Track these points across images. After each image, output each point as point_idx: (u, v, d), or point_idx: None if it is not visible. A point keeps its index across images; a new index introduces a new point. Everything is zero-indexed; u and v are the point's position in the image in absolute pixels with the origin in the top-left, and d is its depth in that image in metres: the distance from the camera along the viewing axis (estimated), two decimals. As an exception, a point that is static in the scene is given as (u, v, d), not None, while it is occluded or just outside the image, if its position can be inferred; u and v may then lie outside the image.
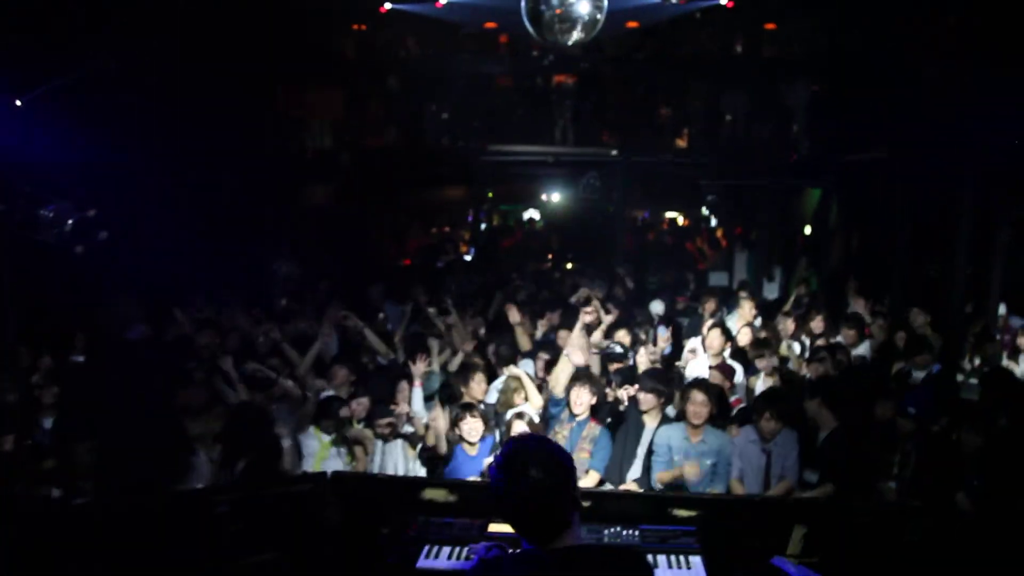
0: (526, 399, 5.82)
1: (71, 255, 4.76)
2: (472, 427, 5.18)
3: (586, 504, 3.55)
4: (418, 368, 5.96)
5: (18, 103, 4.25)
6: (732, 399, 6.60)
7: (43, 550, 3.54)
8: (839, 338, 7.87)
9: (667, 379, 6.35)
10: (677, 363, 7.82)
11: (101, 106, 6.65)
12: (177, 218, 8.64)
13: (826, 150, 10.97)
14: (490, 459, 5.16)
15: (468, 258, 16.45)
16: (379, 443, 5.31)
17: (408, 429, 5.44)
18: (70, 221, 4.57)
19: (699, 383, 5.71)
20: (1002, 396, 5.97)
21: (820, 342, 7.81)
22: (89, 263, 5.06)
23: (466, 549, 3.43)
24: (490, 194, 17.03)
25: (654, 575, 2.24)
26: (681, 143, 12.73)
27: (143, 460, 4.33)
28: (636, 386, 5.74)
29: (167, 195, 8.21)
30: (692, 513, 3.68)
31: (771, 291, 12.15)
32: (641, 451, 5.72)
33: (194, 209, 9.51)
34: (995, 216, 8.74)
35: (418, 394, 5.89)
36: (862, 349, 7.89)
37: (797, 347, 8.07)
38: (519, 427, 5.22)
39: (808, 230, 13.67)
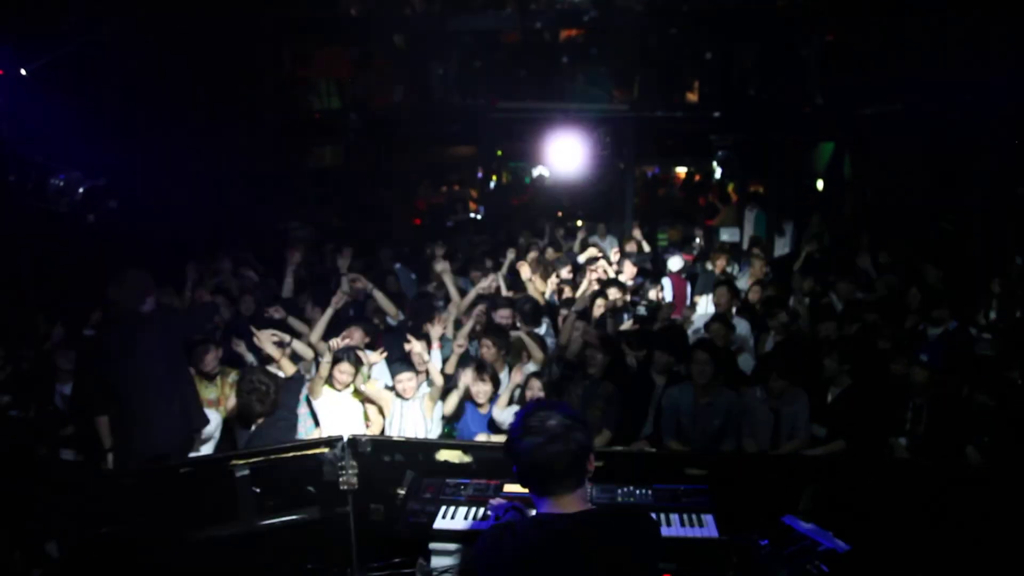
0: (530, 358, 5.89)
1: (83, 224, 4.79)
2: (481, 390, 5.32)
3: (599, 464, 3.60)
4: (436, 330, 6.00)
5: (23, 72, 4.22)
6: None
7: (69, 514, 3.64)
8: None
9: (679, 336, 6.38)
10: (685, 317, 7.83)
11: (105, 73, 6.60)
12: (185, 183, 8.64)
13: (840, 103, 10.73)
14: (499, 413, 5.25)
15: (478, 217, 16.40)
16: (398, 403, 5.37)
17: (426, 389, 5.50)
18: (81, 189, 4.59)
19: (702, 343, 5.74)
20: (1017, 352, 5.97)
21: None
22: (101, 233, 5.10)
23: (483, 509, 3.48)
24: (499, 152, 16.86)
25: (660, 533, 2.29)
26: (692, 97, 12.51)
27: (157, 430, 4.43)
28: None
29: (175, 161, 8.17)
30: (704, 472, 3.73)
31: (782, 247, 12.06)
32: (652, 409, 5.78)
33: (202, 173, 9.49)
34: (1011, 171, 8.58)
35: (436, 355, 5.94)
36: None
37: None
38: (535, 386, 5.30)
39: (820, 185, 13.50)
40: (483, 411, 5.43)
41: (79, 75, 6.00)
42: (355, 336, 6.12)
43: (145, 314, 4.57)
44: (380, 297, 7.05)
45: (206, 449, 5.40)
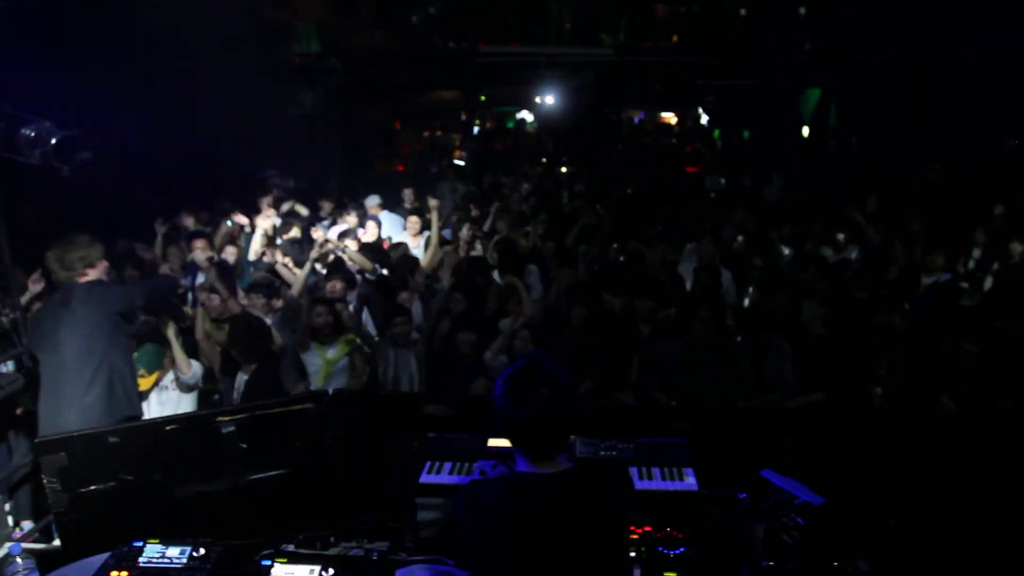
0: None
1: (57, 176, 4.67)
2: (466, 339, 5.36)
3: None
4: (417, 279, 6.01)
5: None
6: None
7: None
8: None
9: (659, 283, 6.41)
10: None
11: (77, 19, 6.37)
12: (162, 132, 8.45)
13: (830, 49, 10.62)
14: (489, 358, 5.29)
15: (461, 163, 16.22)
16: (390, 352, 5.39)
17: (415, 336, 5.53)
18: (53, 140, 4.46)
19: (704, 299, 5.76)
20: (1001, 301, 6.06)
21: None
22: (77, 185, 4.98)
23: (468, 464, 3.53)
24: (483, 97, 16.59)
25: (633, 487, 2.30)
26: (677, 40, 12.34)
27: (65, 415, 4.31)
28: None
29: (150, 111, 7.97)
30: (687, 425, 3.78)
31: (770, 194, 12.04)
32: (636, 358, 5.83)
33: (179, 121, 9.28)
34: (997, 122, 8.57)
35: (418, 307, 5.95)
36: (853, 253, 7.91)
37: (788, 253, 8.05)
38: (524, 336, 5.33)
39: (806, 131, 13.44)
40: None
41: (48, 22, 5.79)
42: (336, 288, 6.12)
43: (82, 287, 4.39)
44: (353, 255, 7.01)
45: (189, 400, 5.44)
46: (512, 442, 2.20)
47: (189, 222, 8.42)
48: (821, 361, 5.55)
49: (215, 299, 5.77)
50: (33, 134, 4.39)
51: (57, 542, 3.79)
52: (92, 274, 4.48)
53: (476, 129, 17.74)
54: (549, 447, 2.15)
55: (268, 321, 5.56)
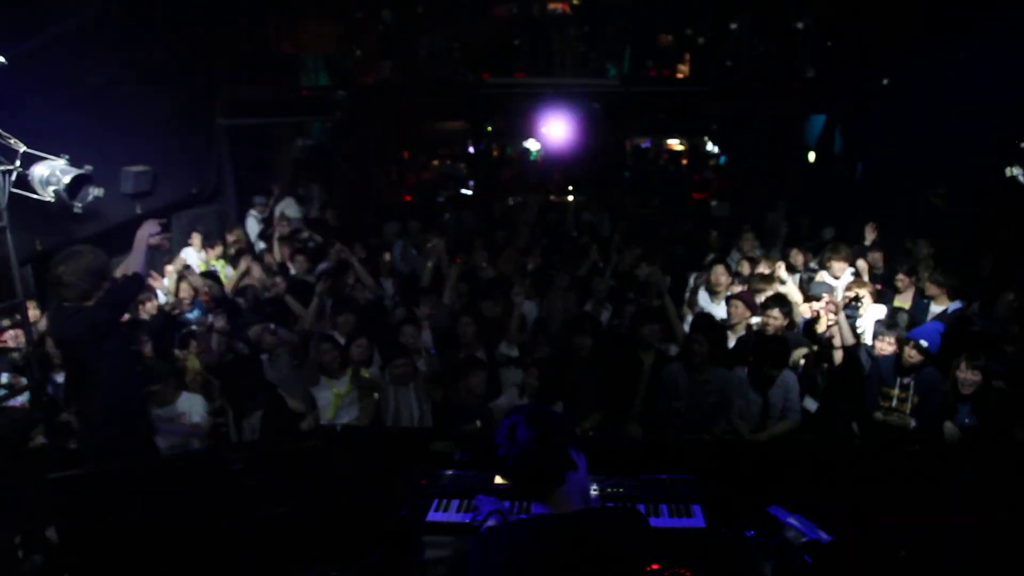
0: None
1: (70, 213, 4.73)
2: (475, 380, 5.23)
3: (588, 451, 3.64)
4: (423, 310, 6.03)
5: (2, 60, 4.14)
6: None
7: (63, 502, 3.67)
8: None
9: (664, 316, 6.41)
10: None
11: (87, 57, 6.50)
12: (172, 166, 8.57)
13: (833, 76, 10.68)
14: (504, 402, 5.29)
15: (468, 192, 16.35)
16: (391, 389, 5.39)
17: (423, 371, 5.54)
18: (66, 179, 4.53)
19: (699, 324, 5.78)
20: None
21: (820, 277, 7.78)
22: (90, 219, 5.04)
23: (473, 503, 3.53)
24: (489, 128, 16.74)
25: (649, 531, 2.33)
26: (683, 68, 12.44)
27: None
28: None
29: (158, 142, 8.09)
30: (692, 459, 3.78)
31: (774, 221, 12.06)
32: (640, 388, 5.83)
33: (188, 153, 9.42)
34: (1002, 147, 8.58)
35: (427, 336, 5.98)
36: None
37: (793, 280, 7.98)
38: (533, 374, 5.36)
39: (812, 157, 13.49)
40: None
41: (60, 60, 5.91)
42: (347, 322, 6.17)
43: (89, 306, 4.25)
44: (359, 269, 7.05)
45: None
46: (512, 484, 2.30)
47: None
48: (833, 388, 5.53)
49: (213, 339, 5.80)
50: (48, 172, 4.46)
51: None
52: (105, 286, 4.32)
53: (482, 157, 17.89)
54: (542, 484, 2.22)
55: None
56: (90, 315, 4.20)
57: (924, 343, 5.27)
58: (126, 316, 4.70)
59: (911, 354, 5.28)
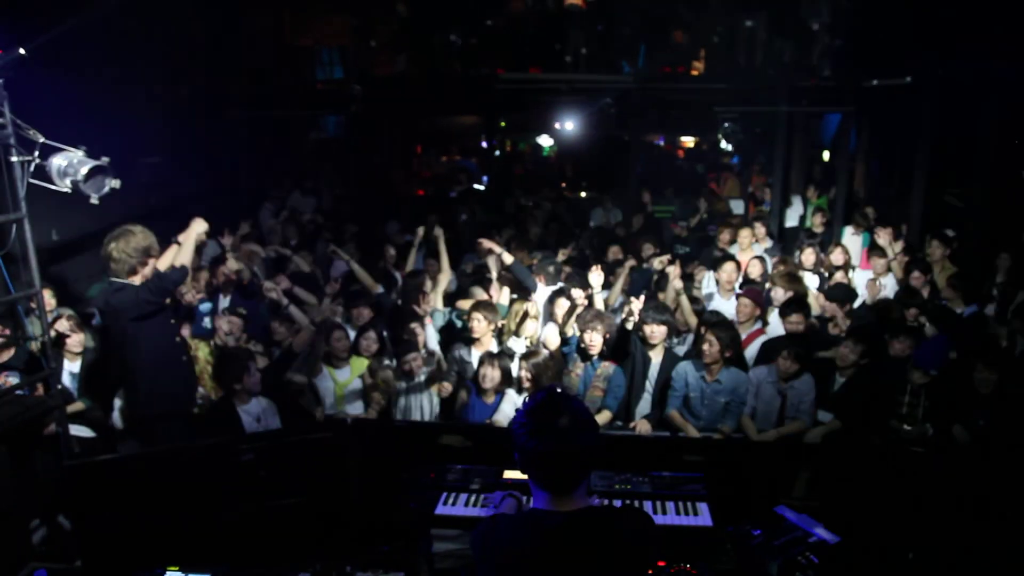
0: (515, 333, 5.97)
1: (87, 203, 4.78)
2: (489, 375, 5.16)
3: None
4: (425, 308, 6.05)
5: (22, 52, 4.18)
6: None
7: (78, 491, 3.72)
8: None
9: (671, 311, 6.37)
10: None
11: (105, 49, 6.55)
12: (187, 159, 8.62)
13: (849, 74, 10.59)
14: (507, 409, 5.23)
15: (481, 187, 16.33)
16: (402, 384, 5.40)
17: (427, 369, 5.55)
18: (84, 170, 4.57)
19: (715, 324, 5.74)
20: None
21: (839, 276, 7.74)
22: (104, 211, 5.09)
23: (486, 496, 3.54)
24: (503, 123, 16.71)
25: (654, 532, 2.25)
26: (698, 65, 12.38)
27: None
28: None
29: (175, 137, 8.14)
30: (700, 458, 3.78)
31: (791, 219, 11.97)
32: (649, 386, 5.82)
33: (204, 145, 9.47)
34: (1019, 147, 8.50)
35: (432, 333, 5.99)
36: (888, 280, 7.79)
37: (815, 280, 7.92)
38: (539, 358, 5.32)
39: (827, 156, 13.39)
40: (488, 400, 5.20)
41: (78, 52, 5.95)
42: (364, 314, 6.21)
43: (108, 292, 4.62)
44: (358, 270, 7.07)
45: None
46: (531, 475, 2.17)
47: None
48: (850, 396, 5.48)
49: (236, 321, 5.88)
50: (65, 163, 4.51)
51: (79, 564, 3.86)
52: (151, 264, 4.70)
53: (496, 153, 17.87)
54: (569, 481, 2.14)
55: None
56: (134, 292, 4.58)
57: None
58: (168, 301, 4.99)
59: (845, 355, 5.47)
